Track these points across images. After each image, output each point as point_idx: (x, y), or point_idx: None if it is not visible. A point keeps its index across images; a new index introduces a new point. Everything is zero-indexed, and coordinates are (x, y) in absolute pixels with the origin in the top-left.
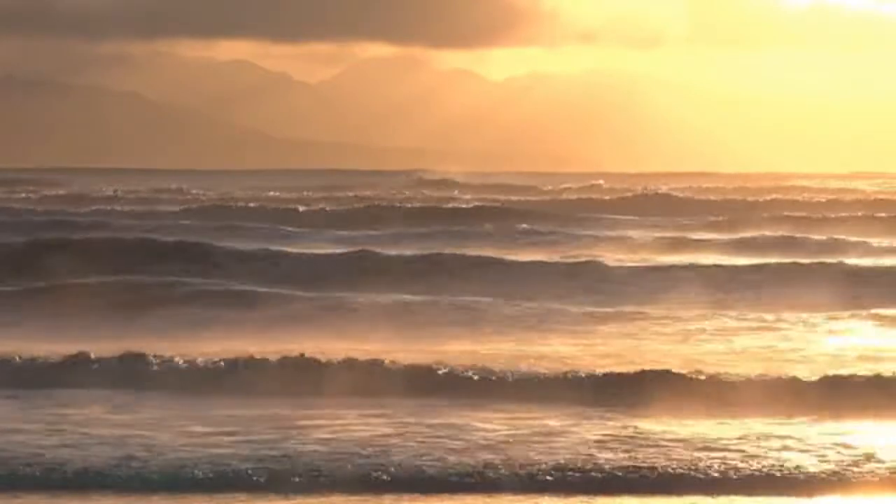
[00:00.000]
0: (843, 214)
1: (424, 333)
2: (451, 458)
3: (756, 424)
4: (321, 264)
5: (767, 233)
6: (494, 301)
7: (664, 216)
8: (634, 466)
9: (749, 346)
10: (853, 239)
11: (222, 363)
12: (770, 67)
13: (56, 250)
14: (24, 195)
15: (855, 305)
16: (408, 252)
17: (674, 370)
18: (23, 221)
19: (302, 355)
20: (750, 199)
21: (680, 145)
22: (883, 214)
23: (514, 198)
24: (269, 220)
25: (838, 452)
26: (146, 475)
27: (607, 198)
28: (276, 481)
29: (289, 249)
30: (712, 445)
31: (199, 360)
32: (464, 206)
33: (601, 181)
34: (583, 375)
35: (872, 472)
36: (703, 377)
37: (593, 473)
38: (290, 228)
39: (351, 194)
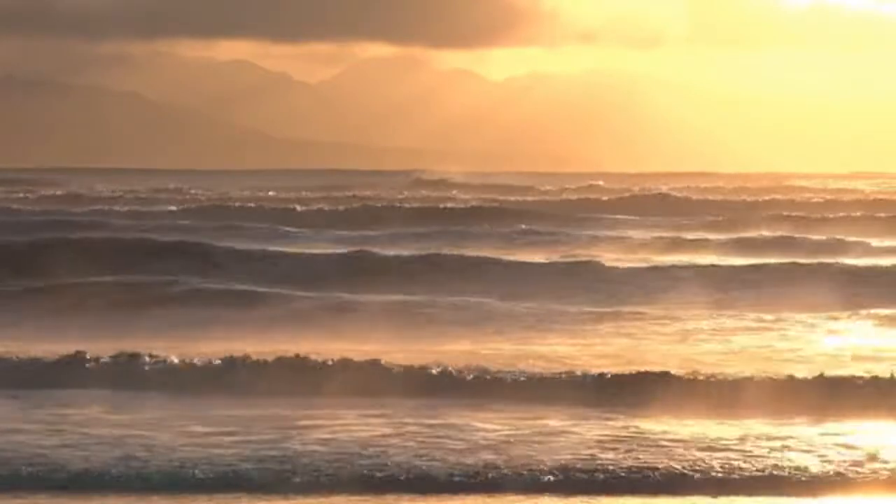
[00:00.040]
0: (843, 214)
1: (424, 333)
2: (452, 459)
3: (756, 425)
4: (320, 264)
5: (766, 233)
6: (493, 301)
7: (663, 216)
8: (636, 467)
9: (748, 346)
10: (853, 239)
11: (222, 363)
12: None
13: (55, 250)
14: (22, 195)
15: (854, 305)
16: (406, 252)
17: (673, 370)
18: (22, 221)
19: (297, 356)
20: (749, 199)
21: (680, 145)
22: (882, 214)
23: (512, 198)
24: (268, 220)
25: (839, 453)
26: (146, 475)
27: (606, 198)
28: (277, 481)
29: (287, 249)
30: (713, 446)
31: (199, 360)
32: (462, 206)
33: (601, 182)
34: (582, 375)
35: (874, 472)
36: (702, 377)
37: (595, 474)
38: (288, 228)
39: (350, 194)
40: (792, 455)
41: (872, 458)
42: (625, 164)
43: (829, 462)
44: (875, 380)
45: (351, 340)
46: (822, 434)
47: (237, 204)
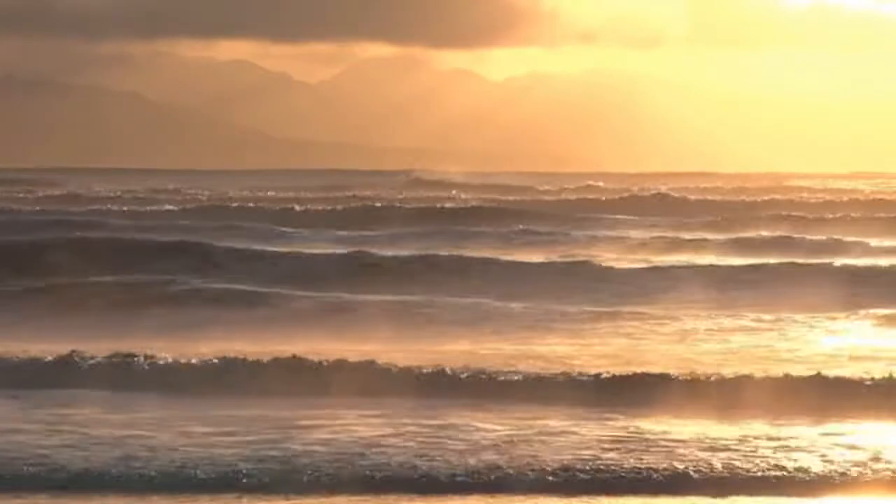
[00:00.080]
0: (842, 215)
1: (423, 334)
2: (453, 459)
3: (756, 425)
4: (319, 264)
5: (766, 233)
6: (492, 301)
7: (663, 216)
8: (637, 467)
9: (747, 346)
10: (852, 239)
11: (221, 363)
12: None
13: (54, 250)
14: (22, 195)
15: (854, 305)
16: (405, 252)
17: (673, 371)
18: (22, 221)
19: (294, 356)
20: (749, 199)
21: (680, 145)
22: (882, 214)
23: (511, 197)
24: (267, 221)
25: (840, 453)
26: (146, 475)
27: (605, 198)
28: (277, 481)
29: (287, 249)
30: (714, 446)
31: (198, 360)
32: (461, 206)
33: (600, 182)
34: (582, 376)
35: (876, 473)
36: (702, 378)
37: (596, 474)
38: (287, 229)
39: (349, 194)
40: (792, 455)
41: (874, 458)
42: (625, 164)
43: (831, 462)
44: (875, 380)
45: (350, 340)
46: (823, 434)
47: (236, 204)
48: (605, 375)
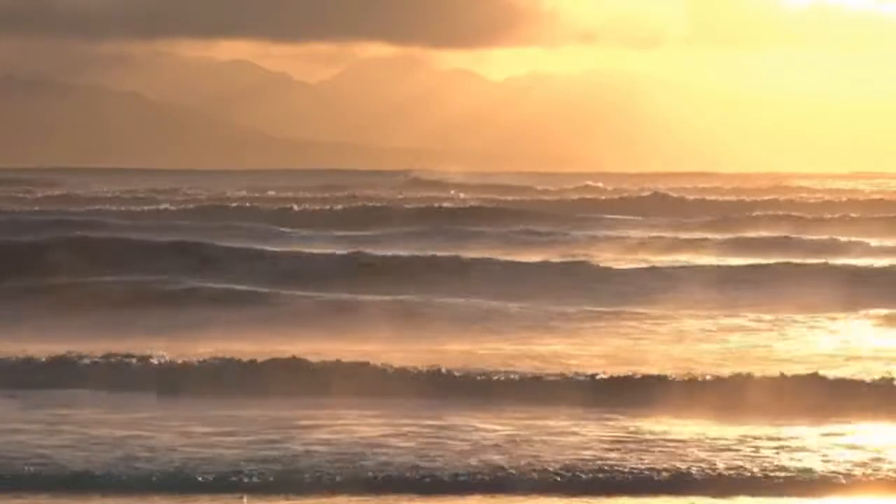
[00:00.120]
0: (841, 215)
1: (422, 334)
2: (453, 459)
3: (757, 425)
4: (318, 264)
5: (765, 233)
6: (491, 301)
7: (662, 216)
8: (638, 468)
9: (747, 346)
10: (852, 239)
11: (221, 363)
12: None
13: (54, 250)
14: (21, 195)
15: (853, 306)
16: (404, 252)
17: (673, 371)
18: (21, 221)
19: (293, 357)
20: (748, 199)
21: (680, 145)
22: (882, 214)
23: (510, 197)
24: (266, 220)
25: (841, 454)
26: (147, 475)
27: (605, 198)
28: (277, 482)
29: (286, 249)
30: (714, 446)
31: (198, 360)
32: (460, 206)
33: (600, 182)
34: (582, 376)
35: (877, 473)
36: (701, 378)
37: (598, 474)
38: (287, 229)
39: (348, 194)
40: (792, 455)
41: (874, 458)
42: (625, 164)
43: (831, 463)
44: (875, 380)
45: (350, 341)
46: (823, 434)
47: (235, 204)
48: (604, 376)
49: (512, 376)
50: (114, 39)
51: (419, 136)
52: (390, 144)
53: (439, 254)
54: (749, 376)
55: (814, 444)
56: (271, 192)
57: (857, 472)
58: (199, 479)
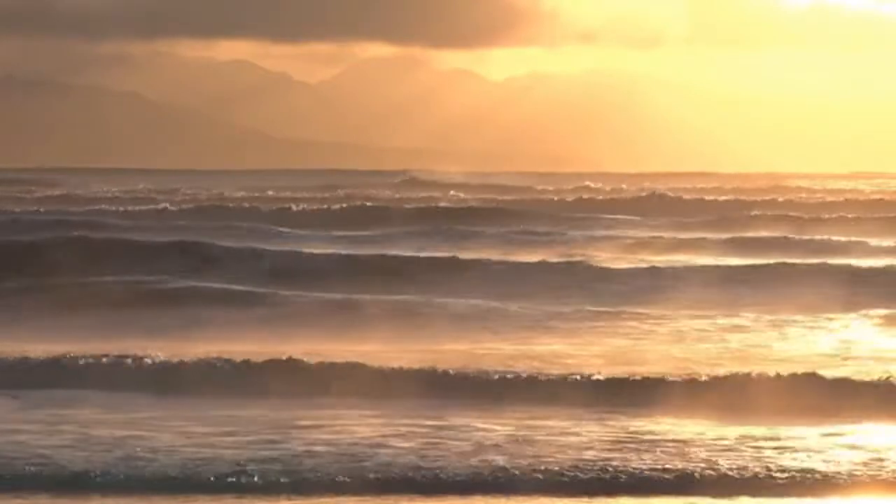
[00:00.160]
0: (841, 215)
1: (421, 334)
2: (455, 460)
3: (757, 425)
4: (316, 264)
5: (765, 233)
6: (490, 302)
7: (662, 216)
8: (639, 468)
9: (747, 346)
10: (851, 239)
11: (220, 364)
12: (770, 67)
13: (53, 250)
14: (21, 195)
15: (853, 306)
16: (402, 252)
17: (672, 371)
18: (20, 221)
19: (290, 358)
20: (748, 198)
21: (680, 145)
22: (882, 214)
23: (508, 197)
24: (265, 220)
25: (842, 454)
26: (146, 476)
27: (604, 198)
28: (278, 482)
29: (285, 249)
30: (715, 446)
31: (198, 360)
32: (459, 206)
33: (600, 182)
34: (581, 376)
35: (878, 473)
36: (701, 378)
37: (598, 474)
38: (285, 228)
39: (345, 193)
40: (793, 456)
41: (875, 458)
42: (625, 164)
43: (832, 463)
44: (874, 380)
45: (348, 341)
46: (823, 435)
47: (234, 204)
48: (604, 376)
49: (511, 376)
50: (114, 39)
51: (419, 136)
52: (390, 144)
53: (438, 254)
54: (749, 376)
55: (814, 444)
56: (270, 192)
57: (858, 472)
58: (199, 479)
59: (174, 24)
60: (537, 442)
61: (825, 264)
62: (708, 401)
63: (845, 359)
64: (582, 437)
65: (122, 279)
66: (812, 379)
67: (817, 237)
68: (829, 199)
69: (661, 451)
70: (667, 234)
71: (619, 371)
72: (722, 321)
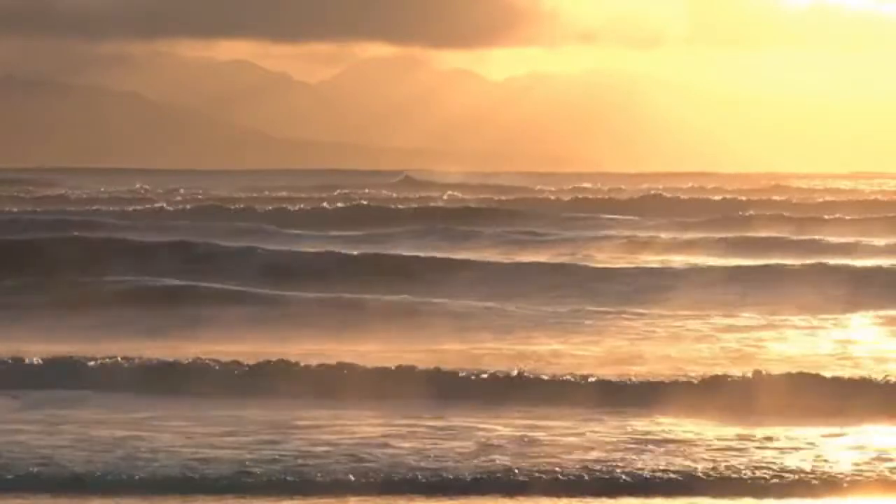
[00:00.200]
0: (841, 215)
1: (420, 334)
2: (457, 460)
3: (759, 426)
4: (314, 264)
5: (765, 233)
6: (488, 302)
7: (661, 216)
8: (640, 468)
9: (747, 346)
10: (852, 239)
11: (220, 364)
12: (770, 67)
13: (50, 249)
14: (20, 195)
15: (854, 306)
16: (400, 252)
17: (672, 372)
18: (19, 221)
19: (287, 358)
20: (748, 198)
21: (680, 145)
22: (882, 214)
23: (505, 197)
24: (263, 220)
25: (843, 454)
26: (147, 476)
27: (603, 198)
28: (278, 482)
29: (283, 249)
30: (716, 446)
31: (197, 360)
32: (457, 206)
33: (599, 182)
34: (581, 377)
35: (879, 474)
36: (702, 378)
37: (600, 475)
38: (283, 228)
39: (342, 193)
40: (794, 456)
41: (875, 459)
42: (625, 164)
43: (833, 463)
44: (875, 380)
45: (348, 341)
46: (823, 435)
47: (233, 204)
48: (604, 376)
49: (511, 376)
50: (114, 39)
51: (419, 136)
52: (390, 144)
53: (436, 254)
54: (749, 376)
55: (814, 444)
56: (266, 192)
57: (859, 472)
58: (200, 479)
59: (174, 24)
60: (539, 442)
61: (825, 264)
62: (708, 401)
63: (846, 359)
64: (583, 437)
65: (121, 279)
66: (812, 379)
67: (817, 237)
68: (829, 199)
69: (663, 452)
70: (666, 235)
71: (619, 371)
72: (721, 321)
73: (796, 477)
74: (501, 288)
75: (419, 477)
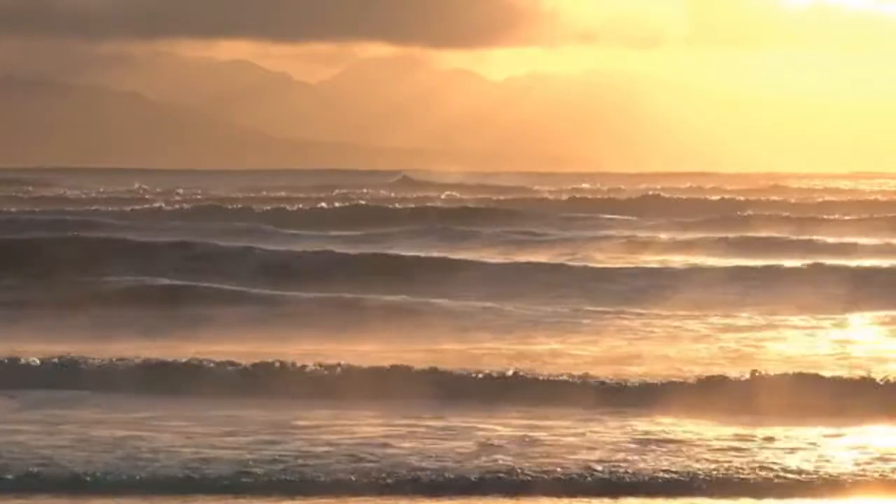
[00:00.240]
0: (841, 215)
1: (418, 334)
2: (458, 460)
3: (759, 426)
4: (313, 264)
5: (765, 233)
6: (486, 302)
7: (661, 216)
8: (641, 469)
9: (747, 346)
10: (852, 239)
11: (219, 364)
12: (770, 67)
13: (49, 249)
14: (20, 195)
15: (854, 306)
16: (398, 252)
17: (672, 372)
18: (18, 220)
19: (289, 358)
20: (747, 198)
21: (680, 145)
22: (882, 215)
23: (503, 197)
24: (262, 220)
25: (843, 454)
26: (147, 476)
27: (602, 198)
28: (278, 482)
29: (282, 248)
30: (717, 447)
31: (196, 360)
32: (456, 206)
33: (598, 182)
34: (581, 378)
35: (880, 474)
36: (702, 378)
37: (601, 475)
38: (282, 228)
39: (341, 192)
40: (794, 456)
41: (876, 459)
42: (625, 164)
43: (833, 463)
44: (875, 380)
45: (347, 341)
46: (824, 435)
47: (230, 204)
48: (604, 376)
49: (511, 376)
50: (114, 39)
51: (419, 137)
52: (390, 144)
53: (435, 254)
54: (749, 377)
55: (815, 444)
56: (265, 192)
57: (859, 472)
58: (200, 479)
59: (174, 24)
60: (539, 442)
61: (825, 264)
62: (708, 401)
63: (845, 359)
64: (584, 437)
65: (120, 279)
66: (812, 379)
67: (816, 237)
68: (829, 199)
69: (663, 452)
70: (666, 235)
71: (619, 371)
72: (721, 321)
73: (797, 477)
74: (500, 288)
75: (420, 477)
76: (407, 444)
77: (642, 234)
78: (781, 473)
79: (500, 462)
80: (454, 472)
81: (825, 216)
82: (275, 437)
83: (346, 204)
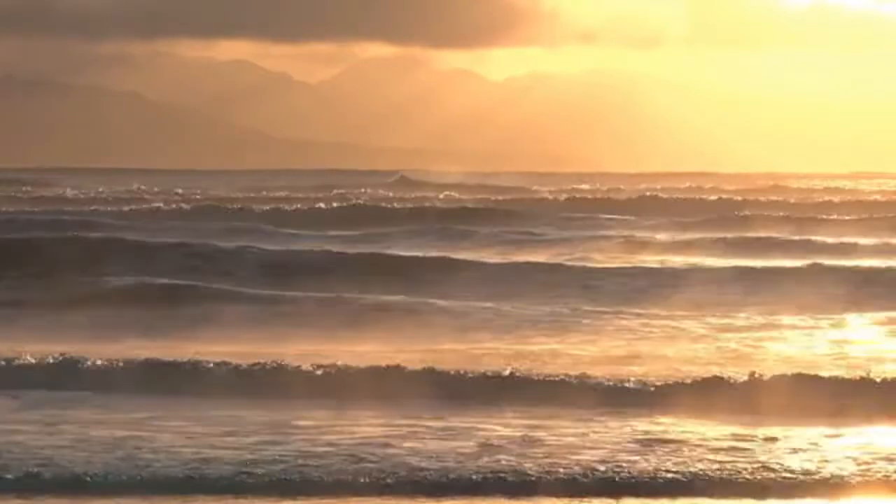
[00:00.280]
0: (840, 215)
1: (417, 334)
2: (459, 460)
3: (759, 426)
4: (311, 264)
5: (764, 233)
6: (485, 302)
7: (660, 216)
8: (642, 469)
9: (746, 347)
10: (852, 240)
11: (219, 364)
12: (770, 67)
13: (49, 249)
14: (20, 195)
15: (854, 306)
16: (397, 252)
17: (673, 372)
18: (17, 220)
19: (289, 358)
20: (747, 198)
21: (680, 145)
22: (882, 215)
23: (502, 197)
24: (262, 220)
25: (844, 455)
26: (147, 476)
27: (602, 198)
28: (279, 483)
29: (281, 248)
30: (717, 447)
31: (197, 360)
32: (454, 206)
33: (598, 182)
34: (581, 378)
35: (880, 473)
36: (702, 379)
37: (602, 475)
38: (281, 228)
39: (335, 193)
40: (794, 457)
41: (876, 459)
42: (625, 164)
43: (833, 464)
44: (875, 380)
45: (346, 341)
46: (824, 435)
47: (229, 204)
48: (603, 377)
49: (511, 377)
50: (114, 39)
51: (419, 137)
52: (390, 144)
53: (434, 254)
54: (749, 377)
55: (816, 444)
56: (264, 192)
57: (859, 472)
58: (200, 479)
59: (174, 24)
60: (540, 442)
61: (824, 265)
62: (708, 401)
63: (845, 359)
64: (584, 437)
65: (118, 279)
66: (812, 379)
67: (816, 237)
68: (829, 199)
69: (664, 452)
70: (664, 235)
71: (618, 371)
72: (720, 321)
73: (798, 477)
74: (499, 288)
75: (421, 477)
76: (407, 445)
77: (641, 234)
78: (783, 473)
79: (503, 462)
80: (455, 472)
81: (825, 216)
82: (275, 438)
83: (345, 204)
